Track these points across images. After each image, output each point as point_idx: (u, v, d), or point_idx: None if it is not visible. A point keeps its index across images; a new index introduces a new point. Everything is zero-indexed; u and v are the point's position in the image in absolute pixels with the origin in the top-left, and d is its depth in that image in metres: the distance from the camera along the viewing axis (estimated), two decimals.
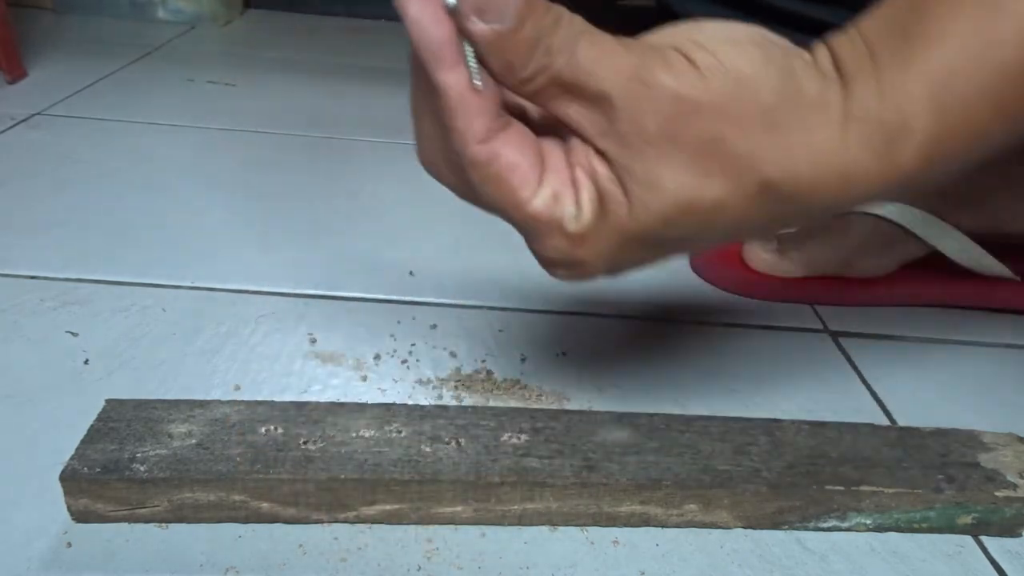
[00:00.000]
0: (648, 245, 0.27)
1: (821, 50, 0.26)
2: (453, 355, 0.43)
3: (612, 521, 0.32)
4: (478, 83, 0.24)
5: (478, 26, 0.23)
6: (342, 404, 0.34)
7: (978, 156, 0.26)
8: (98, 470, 0.29)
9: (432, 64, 0.24)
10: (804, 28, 0.49)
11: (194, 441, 0.31)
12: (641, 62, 0.24)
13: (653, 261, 0.29)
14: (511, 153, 0.26)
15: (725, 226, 0.26)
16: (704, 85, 0.24)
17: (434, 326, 0.46)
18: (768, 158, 0.25)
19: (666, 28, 0.26)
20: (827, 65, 0.25)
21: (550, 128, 0.27)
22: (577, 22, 0.25)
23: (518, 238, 0.29)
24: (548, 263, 0.28)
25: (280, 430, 0.32)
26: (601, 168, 0.26)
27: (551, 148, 0.27)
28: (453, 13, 0.23)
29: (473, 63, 0.24)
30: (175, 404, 0.33)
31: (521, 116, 0.27)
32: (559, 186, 0.26)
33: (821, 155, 0.25)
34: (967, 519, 0.33)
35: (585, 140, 0.26)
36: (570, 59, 0.24)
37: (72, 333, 0.42)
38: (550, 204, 0.26)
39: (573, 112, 0.25)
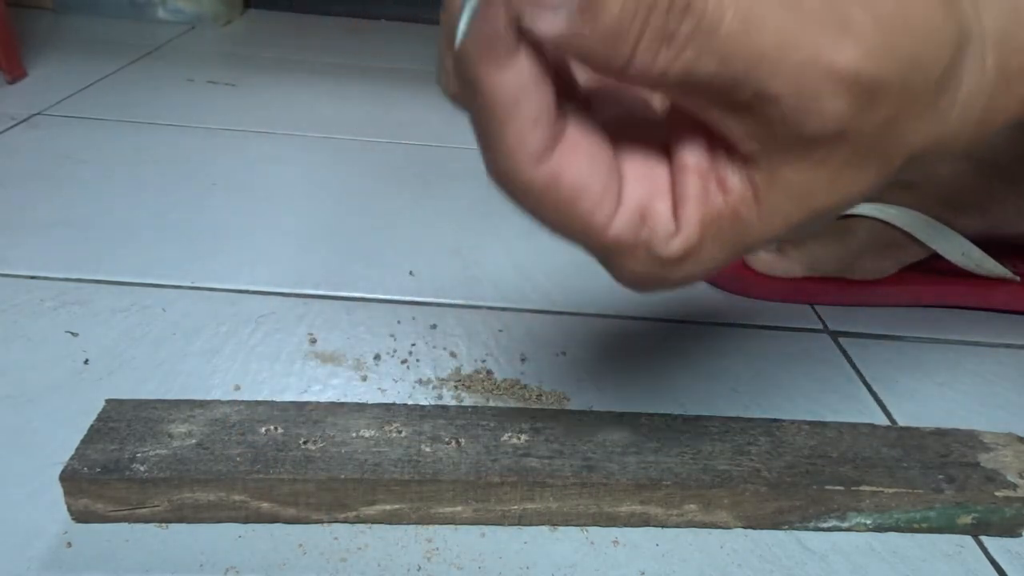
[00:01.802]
0: (756, 248, 0.22)
1: None
2: (453, 355, 0.43)
3: (612, 521, 0.32)
4: (462, 30, 0.18)
5: (543, 26, 0.17)
6: (342, 404, 0.34)
7: None
8: (98, 470, 0.29)
9: (474, 62, 0.18)
10: None
11: (194, 441, 0.31)
12: (820, 27, 0.18)
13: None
14: (576, 170, 0.20)
15: (844, 208, 0.22)
16: (893, 47, 0.19)
17: (434, 326, 0.46)
18: (927, 129, 0.21)
19: None
20: None
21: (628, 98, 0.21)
22: None
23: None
24: (626, 282, 0.23)
25: (280, 430, 0.32)
26: (736, 183, 0.20)
27: (633, 142, 0.21)
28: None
29: (464, 24, 0.18)
30: (175, 404, 0.33)
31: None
32: (647, 198, 0.21)
33: (967, 107, 0.21)
34: (967, 519, 0.33)
35: (718, 141, 0.20)
36: (706, 51, 0.17)
37: (72, 333, 0.42)
38: (635, 226, 0.21)
39: (709, 113, 0.20)
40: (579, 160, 0.20)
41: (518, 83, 0.18)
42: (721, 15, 0.17)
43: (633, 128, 0.22)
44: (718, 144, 0.20)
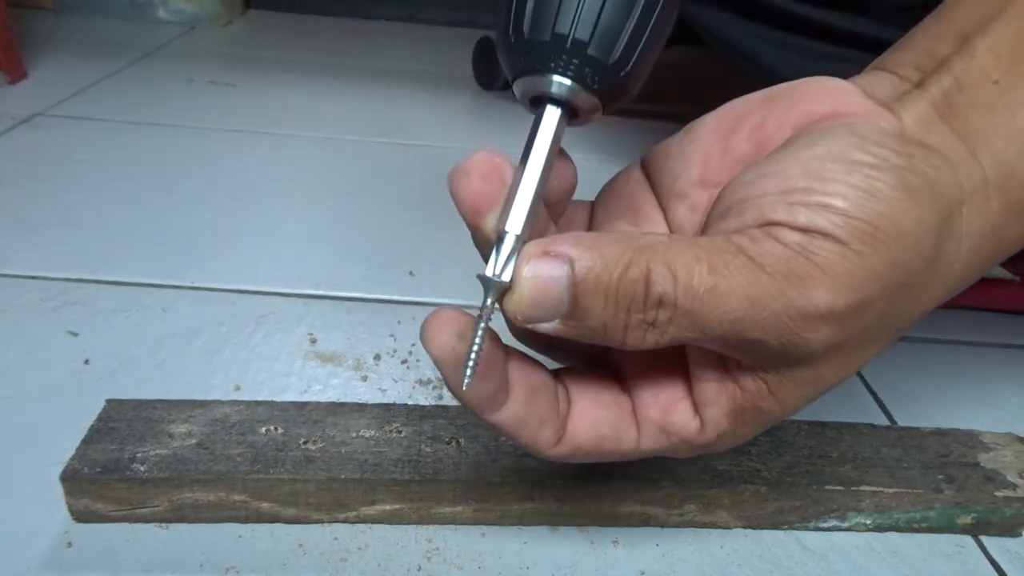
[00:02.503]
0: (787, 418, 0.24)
1: (923, 115, 0.22)
2: None
3: (612, 521, 0.32)
4: (467, 380, 0.21)
5: (541, 327, 0.20)
6: (342, 404, 0.34)
7: None
8: (98, 470, 0.29)
9: (476, 412, 0.22)
10: (807, 32, 0.49)
11: (194, 441, 0.31)
12: (785, 280, 0.19)
13: None
14: (590, 435, 0.23)
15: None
16: (865, 271, 0.19)
17: None
18: (931, 293, 0.22)
19: (761, 169, 0.21)
20: (946, 139, 0.22)
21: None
22: (680, 264, 0.19)
23: None
24: (680, 459, 0.26)
25: (280, 430, 0.32)
26: (751, 384, 0.22)
27: (642, 370, 0.24)
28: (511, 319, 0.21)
29: (471, 367, 0.21)
30: (175, 404, 0.33)
31: None
32: (663, 416, 0.23)
33: (973, 252, 0.22)
34: (967, 519, 0.33)
35: (723, 361, 0.23)
36: (685, 328, 0.20)
37: (72, 333, 0.42)
38: (661, 439, 0.23)
39: (709, 350, 0.22)
40: (587, 423, 0.23)
41: (517, 415, 0.22)
42: (692, 299, 0.19)
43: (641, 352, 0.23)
44: (728, 358, 0.22)
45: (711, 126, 0.24)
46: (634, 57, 0.20)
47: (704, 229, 0.23)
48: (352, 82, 0.94)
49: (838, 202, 0.19)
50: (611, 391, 0.24)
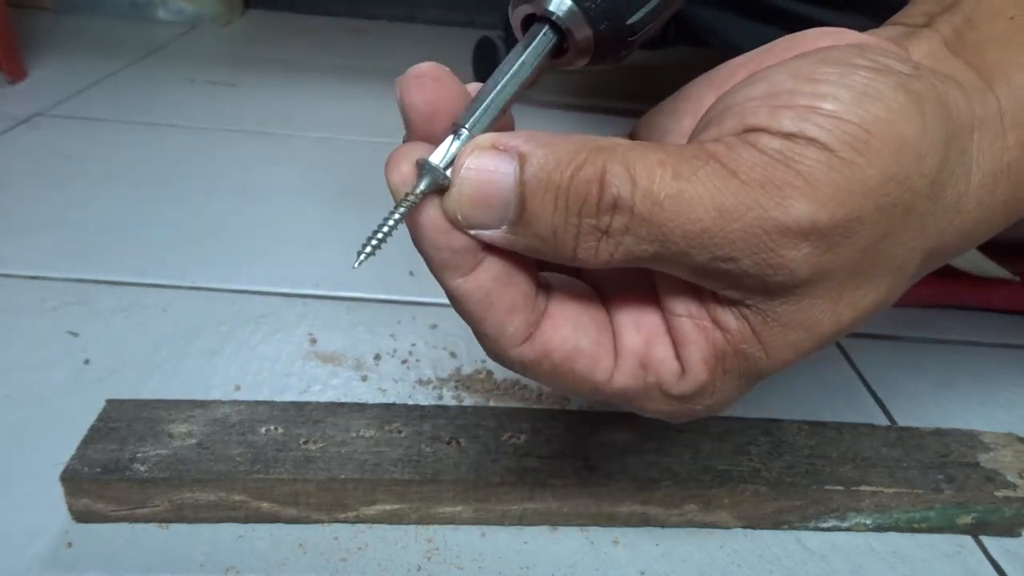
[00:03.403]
0: (777, 374, 0.21)
1: (934, 49, 0.21)
2: (453, 355, 0.43)
3: (612, 521, 0.32)
4: (361, 259, 0.19)
5: (482, 235, 0.19)
6: (342, 404, 0.34)
7: None
8: (98, 470, 0.29)
9: (437, 273, 0.20)
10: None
11: (194, 441, 0.31)
12: (760, 189, 0.17)
13: None
14: (567, 344, 0.20)
15: (868, 321, 0.20)
16: (855, 183, 0.17)
17: (434, 326, 0.46)
18: (936, 225, 0.19)
19: (748, 80, 0.20)
20: (958, 69, 0.20)
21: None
22: (641, 166, 0.18)
23: None
24: (655, 418, 0.23)
25: (280, 430, 0.32)
26: (731, 322, 0.20)
27: (623, 291, 0.22)
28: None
29: (373, 244, 0.19)
30: (175, 404, 0.33)
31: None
32: (644, 346, 0.21)
33: (987, 189, 0.20)
34: (967, 519, 0.33)
35: (699, 292, 0.20)
36: (644, 238, 0.18)
37: (72, 333, 0.42)
38: (638, 374, 0.21)
39: (676, 275, 0.19)
40: (566, 329, 0.20)
41: (485, 287, 0.19)
42: (651, 204, 0.17)
43: (621, 278, 0.21)
44: (703, 289, 0.20)
45: (705, 79, 0.22)
46: (642, 13, 0.20)
47: None
48: (352, 82, 0.94)
49: (827, 104, 0.17)
50: (596, 307, 0.21)
